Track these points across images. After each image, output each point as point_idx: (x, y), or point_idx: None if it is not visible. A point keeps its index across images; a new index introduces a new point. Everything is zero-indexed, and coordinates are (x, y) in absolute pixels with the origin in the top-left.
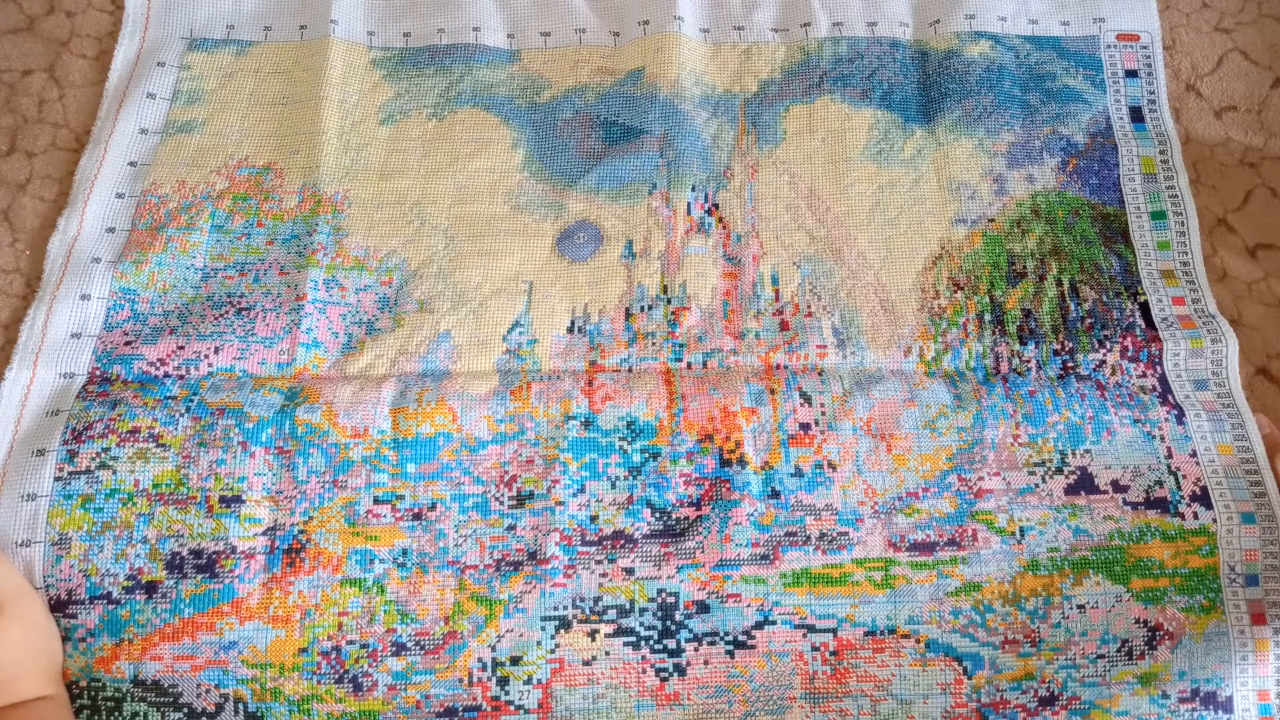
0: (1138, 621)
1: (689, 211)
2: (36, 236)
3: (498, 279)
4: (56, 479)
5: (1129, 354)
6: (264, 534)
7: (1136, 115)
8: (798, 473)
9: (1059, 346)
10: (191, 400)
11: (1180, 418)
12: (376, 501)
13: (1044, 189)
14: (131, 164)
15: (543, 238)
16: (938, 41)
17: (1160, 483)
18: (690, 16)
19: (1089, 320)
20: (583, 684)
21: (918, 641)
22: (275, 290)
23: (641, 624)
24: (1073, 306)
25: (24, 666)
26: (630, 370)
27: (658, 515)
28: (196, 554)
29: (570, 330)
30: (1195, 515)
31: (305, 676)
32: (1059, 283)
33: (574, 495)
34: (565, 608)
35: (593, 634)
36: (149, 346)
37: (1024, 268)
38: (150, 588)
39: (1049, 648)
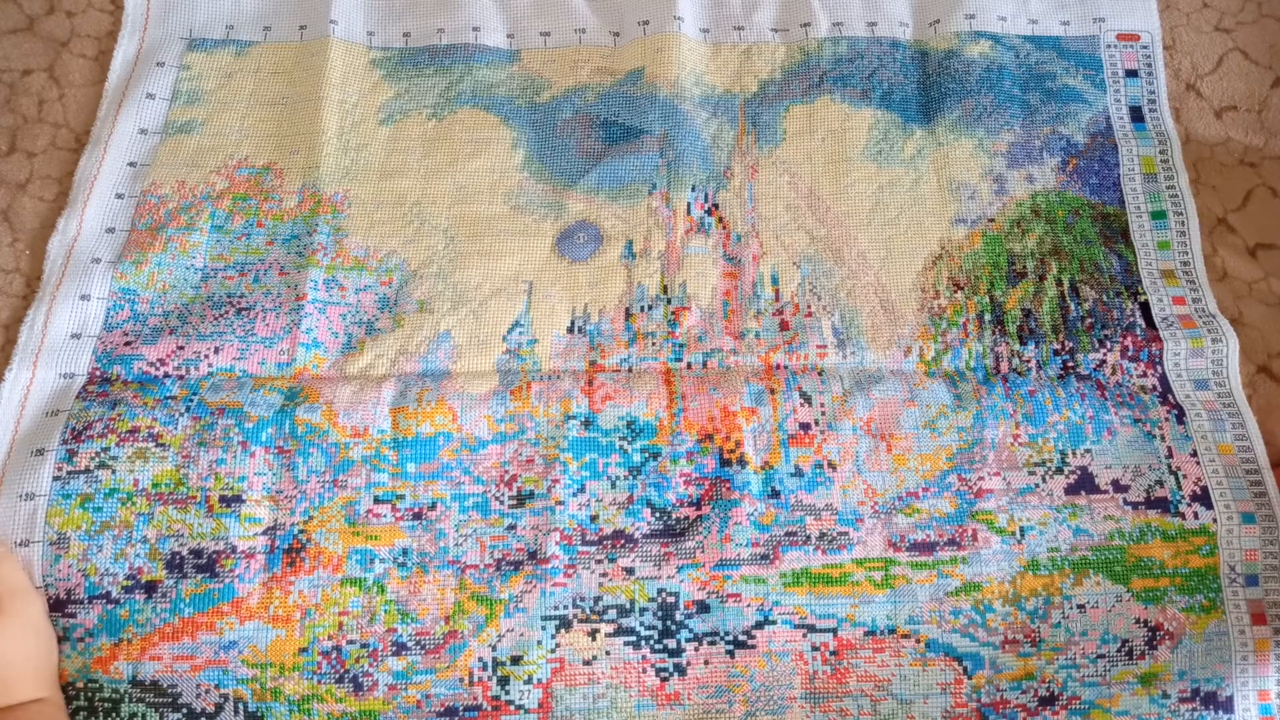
0: (1138, 621)
1: (689, 211)
2: (36, 236)
3: (498, 279)
4: (55, 478)
5: (1129, 354)
6: (264, 534)
7: (1136, 115)
8: (798, 472)
9: (1059, 346)
10: (191, 400)
11: (1180, 417)
12: (377, 501)
13: (1044, 189)
14: (131, 164)
15: (543, 238)
16: (938, 41)
17: (1160, 482)
18: (690, 16)
19: (1089, 320)
20: (583, 684)
21: (918, 641)
22: (275, 290)
23: (642, 624)
24: (1073, 306)
25: (20, 667)
26: (630, 370)
27: (658, 515)
28: (196, 554)
29: (570, 330)
30: (1195, 515)
31: (305, 676)
32: (1059, 282)
33: (574, 495)
34: (565, 607)
35: (593, 634)
36: (149, 346)
37: (1024, 268)
38: (150, 587)
39: (1049, 647)
